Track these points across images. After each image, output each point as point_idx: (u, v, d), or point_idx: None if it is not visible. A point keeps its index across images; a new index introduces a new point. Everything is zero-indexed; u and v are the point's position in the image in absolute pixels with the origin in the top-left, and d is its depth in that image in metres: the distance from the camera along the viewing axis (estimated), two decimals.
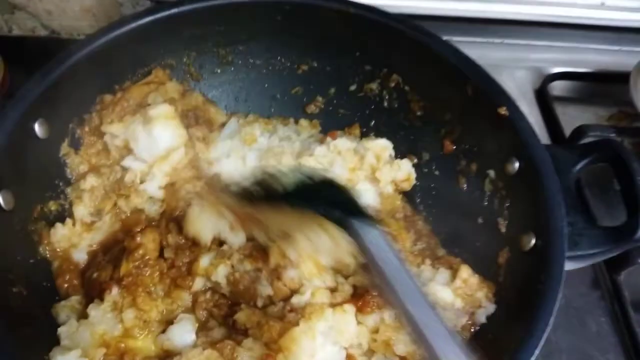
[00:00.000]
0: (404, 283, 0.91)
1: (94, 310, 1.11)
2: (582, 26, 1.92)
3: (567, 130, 1.71)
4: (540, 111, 1.79)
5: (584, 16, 1.89)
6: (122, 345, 1.08)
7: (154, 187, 1.29)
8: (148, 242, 1.19)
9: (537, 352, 0.98)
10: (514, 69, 1.88)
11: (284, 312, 1.14)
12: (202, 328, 1.16)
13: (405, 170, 1.41)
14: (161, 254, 1.22)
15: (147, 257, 1.18)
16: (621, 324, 1.43)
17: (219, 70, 1.51)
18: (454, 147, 1.40)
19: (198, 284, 1.20)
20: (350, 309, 1.11)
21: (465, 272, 1.20)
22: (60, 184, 1.29)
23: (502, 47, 1.94)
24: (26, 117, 1.17)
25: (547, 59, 1.93)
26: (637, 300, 1.46)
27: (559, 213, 1.10)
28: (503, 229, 1.24)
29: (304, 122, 1.54)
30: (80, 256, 1.25)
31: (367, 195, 1.33)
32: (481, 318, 1.17)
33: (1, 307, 1.00)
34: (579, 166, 1.21)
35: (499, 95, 1.26)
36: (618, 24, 1.90)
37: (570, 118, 1.80)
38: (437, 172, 1.44)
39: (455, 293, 1.18)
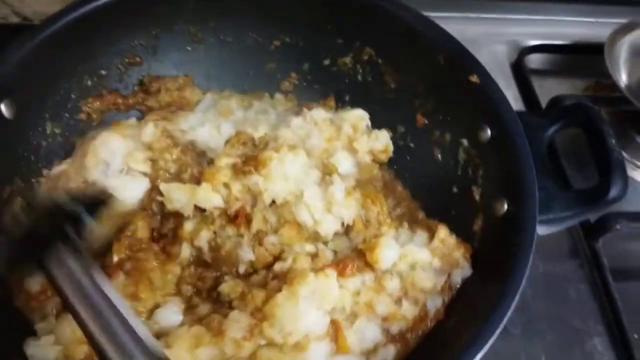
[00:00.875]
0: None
1: None
2: None
3: (544, 103, 1.72)
4: (517, 84, 1.79)
5: None
6: None
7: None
8: (138, 221, 1.19)
9: (510, 310, 0.98)
10: (490, 44, 1.88)
11: (267, 280, 1.14)
12: (188, 308, 1.15)
13: (382, 141, 1.41)
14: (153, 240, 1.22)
15: (139, 238, 1.18)
16: (600, 291, 1.44)
17: (189, 48, 1.48)
18: (426, 120, 1.40)
19: (185, 251, 1.20)
20: (331, 273, 1.11)
21: (442, 232, 1.20)
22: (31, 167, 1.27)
23: (478, 21, 1.94)
24: None
25: (523, 32, 1.94)
26: (616, 267, 1.47)
27: (530, 177, 1.10)
28: (477, 197, 1.24)
29: (279, 96, 1.53)
30: None
31: (345, 164, 1.32)
32: (457, 279, 1.17)
33: None
34: (550, 131, 1.21)
35: (470, 63, 1.26)
36: None
37: (547, 90, 1.80)
38: (412, 144, 1.44)
39: (433, 253, 1.18)
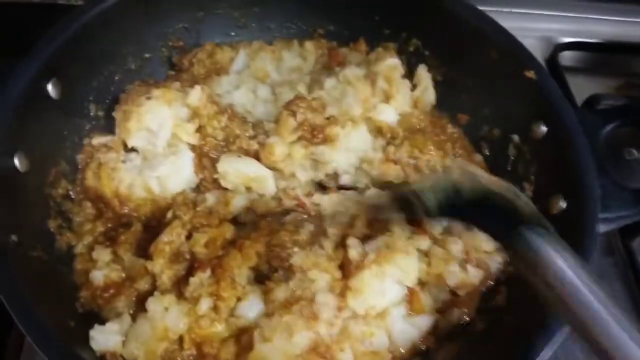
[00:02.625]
0: (586, 306, 0.76)
1: (153, 304, 1.07)
2: None
3: (577, 100, 1.71)
4: None
5: None
6: (195, 336, 1.05)
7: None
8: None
9: None
10: (523, 38, 1.85)
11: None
12: (265, 294, 1.12)
13: (422, 86, 1.39)
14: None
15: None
16: (634, 290, 1.44)
17: (233, 34, 1.46)
18: (468, 117, 1.39)
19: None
20: (412, 250, 1.14)
21: None
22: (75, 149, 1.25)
23: (511, 16, 1.91)
24: (39, 77, 1.12)
25: (557, 28, 1.92)
26: None
27: (591, 175, 1.09)
28: (530, 194, 1.23)
29: (308, 44, 1.48)
30: None
31: (387, 115, 1.31)
32: None
33: (23, 273, 0.95)
34: (606, 129, 1.20)
35: (526, 58, 1.24)
36: None
37: (579, 88, 1.79)
38: None
39: None
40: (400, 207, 1.13)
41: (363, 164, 1.26)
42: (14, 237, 0.98)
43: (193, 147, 1.25)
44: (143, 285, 1.12)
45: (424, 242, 1.17)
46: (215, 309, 1.06)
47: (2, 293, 0.90)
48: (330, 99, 1.31)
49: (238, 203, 1.21)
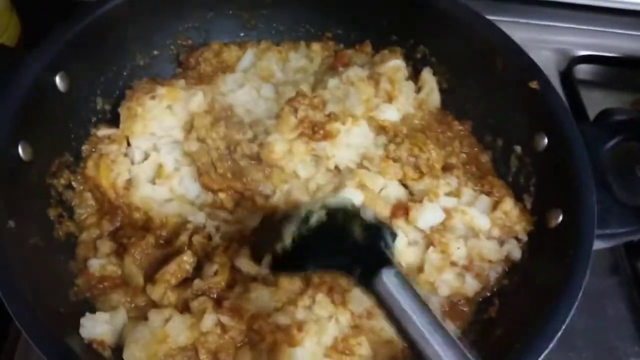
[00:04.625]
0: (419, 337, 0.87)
1: (154, 315, 1.08)
2: (609, 10, 1.89)
3: (591, 114, 1.68)
4: (565, 93, 1.75)
5: None
6: (209, 345, 1.06)
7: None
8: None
9: (562, 328, 0.97)
10: (538, 50, 1.84)
11: None
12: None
13: (426, 87, 1.39)
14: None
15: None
16: (639, 311, 1.41)
17: (242, 34, 1.48)
18: (473, 124, 1.38)
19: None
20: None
21: (508, 204, 1.21)
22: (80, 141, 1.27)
23: (527, 27, 1.90)
24: (47, 70, 1.15)
25: (573, 41, 1.90)
26: None
27: (589, 189, 1.08)
28: (529, 205, 1.22)
29: (315, 46, 1.49)
30: None
31: (389, 114, 1.31)
32: (516, 253, 1.19)
33: (18, 258, 0.98)
34: (609, 144, 1.19)
35: (531, 68, 1.23)
36: None
37: (594, 102, 1.76)
38: None
39: (493, 223, 1.20)
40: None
41: (364, 161, 1.27)
42: (11, 223, 1.00)
43: (197, 167, 1.26)
44: (141, 301, 1.13)
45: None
46: (221, 325, 1.07)
47: None
48: (333, 98, 1.31)
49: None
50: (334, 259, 1.03)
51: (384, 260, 0.97)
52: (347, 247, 1.03)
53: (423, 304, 0.90)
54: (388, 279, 0.91)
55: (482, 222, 1.20)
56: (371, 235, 1.04)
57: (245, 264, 1.13)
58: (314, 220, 1.07)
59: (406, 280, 0.93)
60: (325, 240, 1.05)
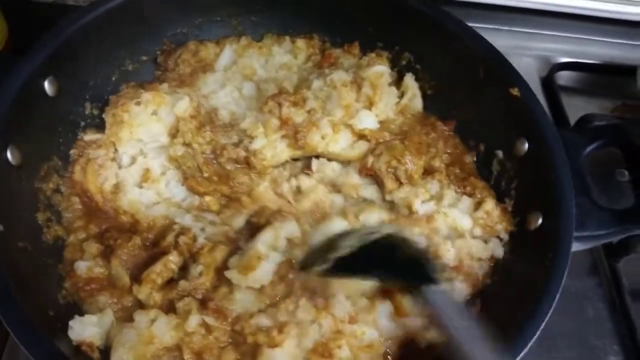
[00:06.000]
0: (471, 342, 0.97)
1: (139, 316, 1.09)
2: (589, 18, 1.93)
3: (572, 120, 1.72)
4: (546, 99, 1.79)
5: (592, 7, 1.89)
6: (193, 345, 1.07)
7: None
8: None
9: (540, 329, 1.00)
10: (520, 56, 1.87)
11: None
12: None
13: (409, 93, 1.41)
14: None
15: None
16: (618, 310, 1.45)
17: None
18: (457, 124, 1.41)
19: None
20: None
21: (489, 204, 1.24)
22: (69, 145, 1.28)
23: (509, 34, 1.94)
24: (36, 74, 1.16)
25: (554, 48, 1.94)
26: (635, 288, 1.47)
27: (567, 193, 1.11)
28: (510, 208, 1.25)
29: (300, 42, 1.49)
30: None
31: (367, 122, 1.33)
32: (499, 251, 1.23)
33: (7, 262, 0.99)
34: (588, 149, 1.22)
35: (512, 75, 1.27)
36: (626, 17, 1.91)
37: (575, 108, 1.80)
38: None
39: (475, 223, 1.23)
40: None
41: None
42: (0, 227, 1.01)
43: (183, 171, 1.27)
44: (127, 302, 1.14)
45: None
46: (205, 326, 1.08)
47: None
48: (315, 99, 1.33)
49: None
50: (389, 268, 1.13)
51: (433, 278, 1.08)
52: (401, 261, 1.13)
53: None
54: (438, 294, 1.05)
55: (465, 222, 1.23)
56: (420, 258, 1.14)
57: (236, 276, 1.14)
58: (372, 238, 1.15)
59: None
60: (382, 253, 1.14)
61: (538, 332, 0.99)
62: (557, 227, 1.09)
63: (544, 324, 1.00)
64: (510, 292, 1.15)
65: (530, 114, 1.21)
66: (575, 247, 1.12)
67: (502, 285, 1.18)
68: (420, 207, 1.26)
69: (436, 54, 1.40)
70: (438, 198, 1.27)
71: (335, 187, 1.31)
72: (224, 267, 1.16)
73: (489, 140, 1.33)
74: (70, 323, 1.04)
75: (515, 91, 1.24)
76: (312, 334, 1.09)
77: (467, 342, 0.96)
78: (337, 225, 1.22)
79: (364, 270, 1.12)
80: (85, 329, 1.04)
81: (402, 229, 1.20)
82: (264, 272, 1.14)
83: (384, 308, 1.15)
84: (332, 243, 1.16)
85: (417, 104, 1.42)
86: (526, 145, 1.22)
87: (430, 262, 1.13)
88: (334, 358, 1.08)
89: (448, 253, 1.21)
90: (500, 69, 1.29)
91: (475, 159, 1.36)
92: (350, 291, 1.16)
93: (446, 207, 1.25)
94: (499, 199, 1.27)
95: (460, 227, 1.23)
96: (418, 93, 1.42)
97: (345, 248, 1.13)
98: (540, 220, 1.14)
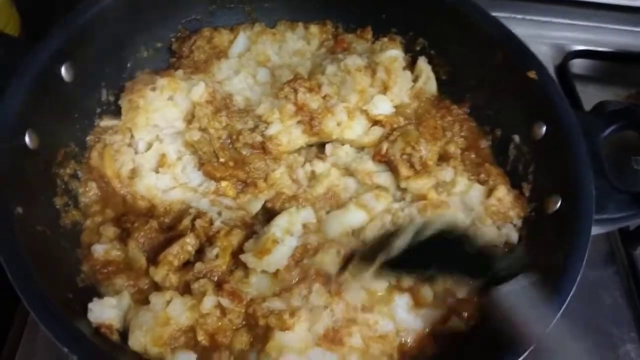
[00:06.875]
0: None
1: (155, 298, 1.09)
2: (604, 5, 1.92)
3: (587, 108, 1.70)
4: (561, 87, 1.77)
5: None
6: (207, 327, 1.08)
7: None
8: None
9: (560, 312, 1.00)
10: (534, 45, 1.83)
11: None
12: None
13: (423, 71, 1.41)
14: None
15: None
16: (635, 299, 1.43)
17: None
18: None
19: None
20: None
21: (501, 191, 1.23)
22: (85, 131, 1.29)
23: (523, 22, 1.93)
24: (54, 60, 1.16)
25: (568, 36, 1.93)
26: None
27: (587, 175, 1.10)
28: (527, 193, 1.24)
29: (313, 27, 1.49)
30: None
31: (383, 108, 1.32)
32: (514, 236, 1.22)
33: (27, 245, 0.99)
34: (606, 132, 1.21)
35: (529, 58, 1.26)
36: None
37: (589, 96, 1.79)
38: None
39: (486, 211, 1.23)
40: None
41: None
42: (19, 210, 1.01)
43: (199, 156, 1.27)
44: (143, 284, 1.14)
45: None
46: (220, 308, 1.08)
47: (4, 259, 0.93)
48: (329, 84, 1.32)
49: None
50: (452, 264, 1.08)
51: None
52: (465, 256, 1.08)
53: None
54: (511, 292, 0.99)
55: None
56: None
57: (251, 260, 1.14)
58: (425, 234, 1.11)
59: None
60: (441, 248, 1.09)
61: (558, 315, 0.98)
62: (577, 210, 1.08)
63: (564, 306, 0.99)
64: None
65: (547, 97, 1.21)
66: (594, 230, 1.11)
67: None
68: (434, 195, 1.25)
69: (452, 39, 1.39)
70: (451, 185, 1.27)
71: (349, 171, 1.30)
72: (239, 251, 1.16)
73: (505, 125, 1.33)
74: (90, 305, 1.05)
75: (532, 74, 1.23)
76: (324, 319, 1.09)
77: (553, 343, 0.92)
78: (355, 216, 1.22)
79: (423, 265, 1.09)
80: (104, 311, 1.05)
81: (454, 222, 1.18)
82: (279, 256, 1.14)
83: (402, 300, 1.15)
84: (385, 241, 1.13)
85: (432, 87, 1.42)
86: (544, 129, 1.21)
87: (500, 257, 1.11)
88: (344, 345, 1.08)
89: None
90: (517, 52, 1.28)
91: (490, 143, 1.35)
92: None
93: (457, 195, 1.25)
94: (515, 184, 1.27)
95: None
96: (432, 76, 1.42)
97: (398, 249, 1.10)
98: (559, 203, 1.14)
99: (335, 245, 1.18)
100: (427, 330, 1.14)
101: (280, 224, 1.18)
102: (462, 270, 1.07)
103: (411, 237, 1.09)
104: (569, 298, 1.01)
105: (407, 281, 1.16)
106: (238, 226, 1.21)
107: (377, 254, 1.10)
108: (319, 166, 1.29)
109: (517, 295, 0.99)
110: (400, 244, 1.09)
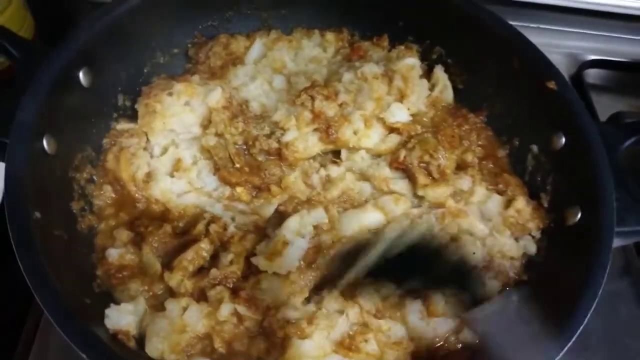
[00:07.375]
0: None
1: (171, 304, 1.09)
2: (618, 15, 1.91)
3: (602, 118, 1.70)
4: None
5: (621, 5, 1.87)
6: (224, 334, 1.08)
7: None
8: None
9: (581, 328, 0.98)
10: (549, 54, 1.84)
11: None
12: None
13: (440, 79, 1.40)
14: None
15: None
16: None
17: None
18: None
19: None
20: None
21: (520, 202, 1.22)
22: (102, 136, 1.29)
23: (538, 31, 1.92)
24: (71, 65, 1.17)
25: (583, 46, 1.92)
26: None
27: (608, 187, 1.09)
28: (545, 204, 1.23)
29: (329, 35, 1.49)
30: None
31: (400, 116, 1.31)
32: (532, 248, 1.21)
33: (44, 249, 0.98)
34: (626, 143, 1.20)
35: (548, 68, 1.25)
36: None
37: (603, 106, 1.78)
38: None
39: (504, 222, 1.22)
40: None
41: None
42: (37, 214, 1.01)
43: (214, 162, 1.27)
44: (158, 289, 1.14)
45: None
46: (237, 315, 1.08)
47: (22, 264, 0.92)
48: (346, 92, 1.32)
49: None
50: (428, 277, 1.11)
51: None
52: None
53: None
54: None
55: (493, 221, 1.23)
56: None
57: (262, 262, 1.14)
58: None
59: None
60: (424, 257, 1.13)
61: (579, 330, 0.97)
62: (598, 222, 1.07)
63: (586, 320, 0.98)
64: (547, 291, 1.12)
65: (567, 107, 1.20)
66: (614, 243, 1.10)
67: (539, 283, 1.16)
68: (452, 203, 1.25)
69: (468, 48, 1.38)
70: (470, 194, 1.26)
71: (364, 177, 1.30)
72: (252, 256, 1.16)
73: (523, 135, 1.31)
74: (107, 311, 1.04)
75: (551, 84, 1.22)
76: (340, 326, 1.08)
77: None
78: (373, 216, 1.21)
79: (403, 276, 1.11)
80: (121, 317, 1.04)
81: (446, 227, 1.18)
82: (289, 258, 1.13)
83: (414, 307, 1.14)
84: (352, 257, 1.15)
85: (449, 95, 1.41)
86: (563, 139, 1.20)
87: (474, 275, 1.12)
88: (360, 352, 1.07)
89: (473, 256, 1.19)
90: (534, 60, 1.27)
91: (508, 152, 1.34)
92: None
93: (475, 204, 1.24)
94: (534, 194, 1.26)
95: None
96: (449, 84, 1.41)
97: (364, 267, 1.12)
98: (579, 215, 1.12)
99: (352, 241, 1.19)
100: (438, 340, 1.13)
101: (291, 226, 1.18)
102: (445, 283, 1.09)
103: (380, 253, 1.13)
104: (589, 314, 0.99)
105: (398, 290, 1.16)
106: (251, 231, 1.21)
107: (344, 271, 1.12)
108: (334, 170, 1.29)
109: (495, 318, 1.00)
110: (367, 261, 1.13)
